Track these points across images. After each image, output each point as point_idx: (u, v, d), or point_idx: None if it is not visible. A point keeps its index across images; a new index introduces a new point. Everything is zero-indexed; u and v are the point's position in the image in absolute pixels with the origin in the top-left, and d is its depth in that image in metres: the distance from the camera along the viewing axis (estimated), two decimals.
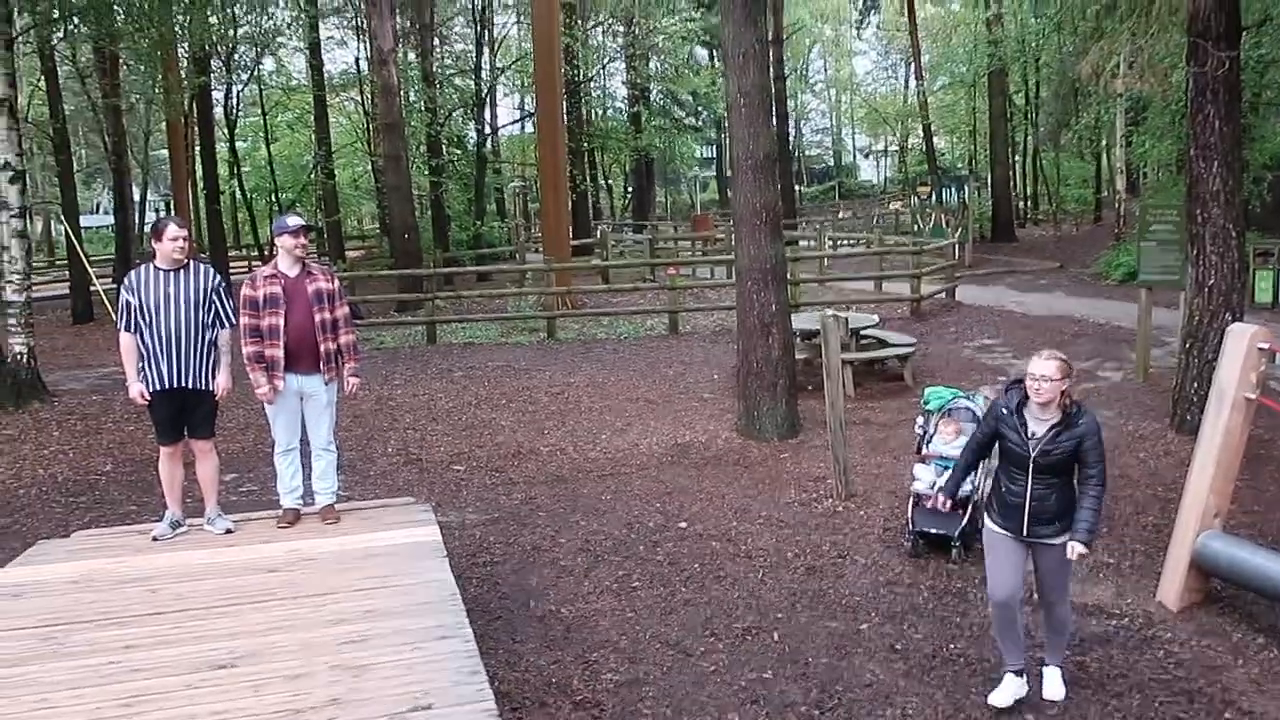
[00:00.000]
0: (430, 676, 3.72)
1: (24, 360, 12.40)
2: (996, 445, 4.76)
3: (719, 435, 9.91)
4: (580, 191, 33.28)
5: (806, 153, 63.07)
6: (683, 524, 7.45)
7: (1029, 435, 4.58)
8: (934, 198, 26.38)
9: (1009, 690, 4.75)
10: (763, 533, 7.20)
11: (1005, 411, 4.66)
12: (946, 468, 6.75)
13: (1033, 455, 4.53)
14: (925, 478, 6.77)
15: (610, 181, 50.33)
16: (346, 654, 3.96)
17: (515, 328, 17.26)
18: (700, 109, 43.50)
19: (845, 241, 26.77)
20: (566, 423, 10.66)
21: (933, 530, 6.60)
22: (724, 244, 26.06)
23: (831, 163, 63.38)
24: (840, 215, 40.88)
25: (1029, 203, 39.26)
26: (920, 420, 7.18)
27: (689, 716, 4.78)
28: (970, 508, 6.55)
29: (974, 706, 4.75)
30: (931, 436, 7.00)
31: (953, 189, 25.58)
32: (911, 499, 6.78)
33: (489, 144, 34.93)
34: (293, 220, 5.91)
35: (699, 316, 17.56)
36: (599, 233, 29.66)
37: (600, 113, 40.12)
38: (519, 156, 41.14)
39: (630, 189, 45.05)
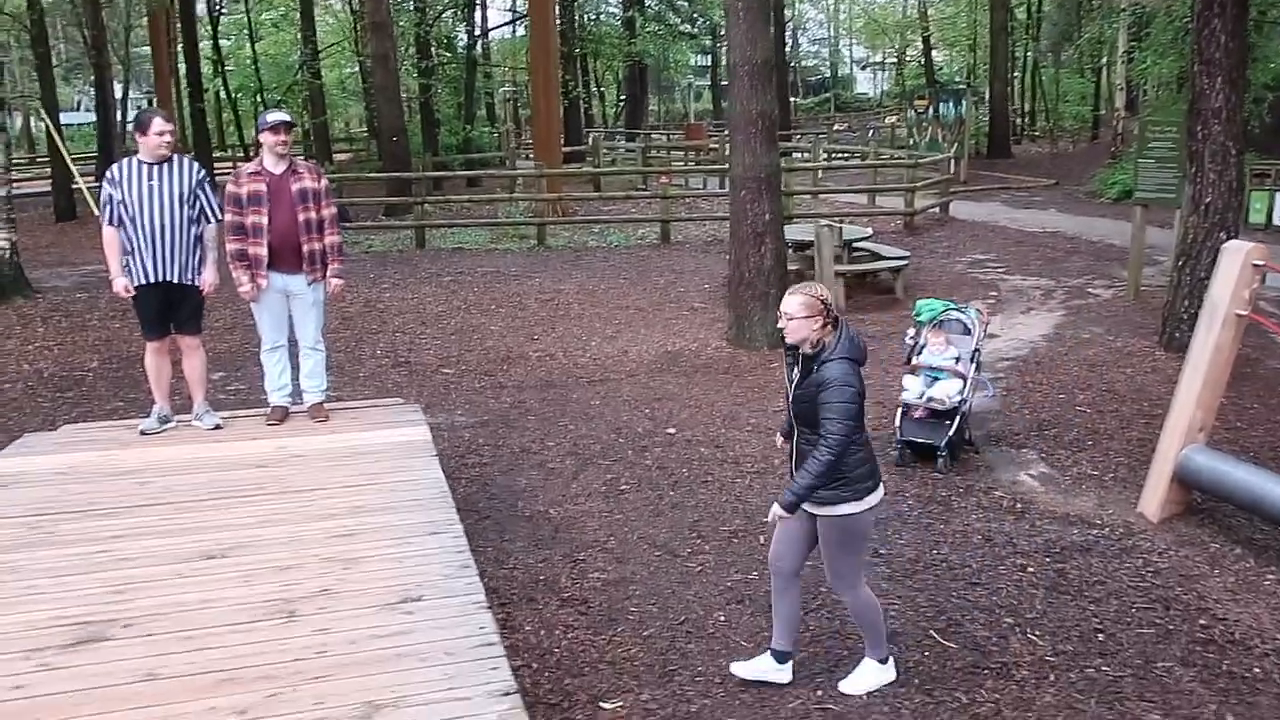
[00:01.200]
0: (420, 570, 3.75)
1: (6, 256, 12.25)
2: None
3: (709, 344, 9.90)
4: (572, 98, 32.67)
5: (803, 64, 61.95)
6: (671, 430, 7.48)
7: (791, 378, 4.02)
8: (931, 112, 26.00)
9: (754, 667, 4.22)
10: (750, 440, 7.24)
11: (785, 349, 4.07)
12: (936, 379, 6.77)
13: (790, 400, 4.01)
14: (914, 388, 6.79)
15: (603, 89, 49.45)
16: (336, 547, 3.98)
17: (505, 234, 17.09)
18: (696, 15, 42.49)
19: (840, 155, 26.47)
20: (556, 329, 10.63)
21: (919, 440, 6.65)
22: (717, 154, 25.73)
23: (828, 74, 62.31)
24: (836, 128, 40.37)
25: (1026, 119, 38.78)
26: (911, 332, 7.17)
27: (674, 614, 4.85)
28: (958, 418, 6.59)
29: (955, 609, 4.83)
30: (921, 347, 7.00)
31: (950, 103, 25.16)
32: (899, 409, 6.81)
33: (479, 47, 34.17)
34: (273, 116, 5.76)
35: (691, 226, 17.41)
36: (591, 140, 29.21)
37: (594, 17, 39.17)
38: (510, 60, 40.29)
39: (623, 97, 44.24)
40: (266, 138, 5.70)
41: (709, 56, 52.44)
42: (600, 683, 4.24)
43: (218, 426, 5.85)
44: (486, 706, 2.82)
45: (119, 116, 25.13)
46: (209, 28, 30.67)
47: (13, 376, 9.12)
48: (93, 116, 29.43)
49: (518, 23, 37.70)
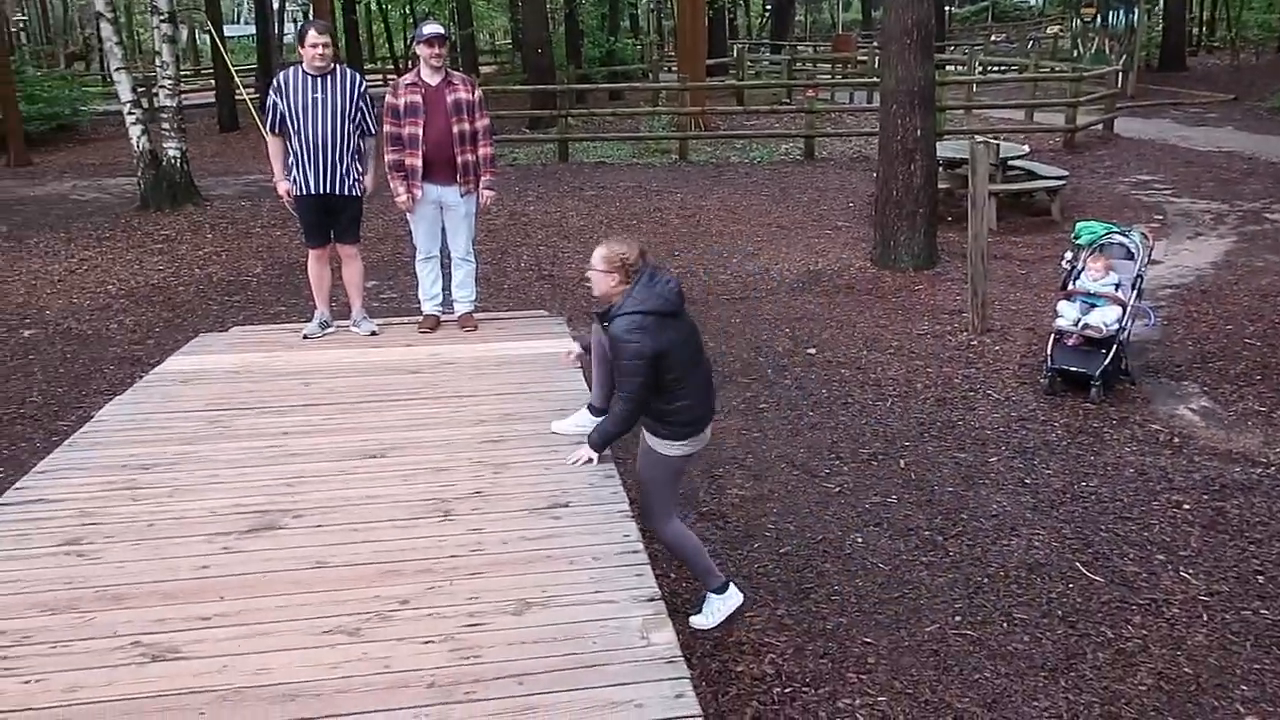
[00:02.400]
0: (566, 478, 3.87)
1: (177, 164, 12.90)
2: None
3: (852, 264, 9.72)
4: (717, 9, 31.94)
5: None
6: (811, 350, 7.42)
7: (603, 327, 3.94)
8: (1098, 20, 24.41)
9: (712, 615, 4.11)
10: (892, 362, 7.13)
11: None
12: (1093, 305, 6.49)
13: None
14: (1069, 315, 6.53)
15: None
16: (487, 452, 4.14)
17: (647, 148, 17.03)
18: None
19: (997, 67, 25.21)
20: (697, 245, 10.61)
21: (1073, 368, 6.41)
22: (865, 67, 24.86)
23: None
24: (993, 39, 38.38)
25: (1204, 29, 36.06)
26: (1069, 255, 6.87)
27: (811, 534, 4.88)
28: (1115, 346, 6.32)
29: (1102, 541, 4.71)
30: (1079, 272, 6.71)
31: (1120, 11, 23.57)
32: (1052, 336, 6.57)
33: None
34: (428, 29, 5.84)
35: (836, 142, 16.98)
36: (735, 52, 28.60)
37: None
38: None
39: (768, 7, 43.02)
40: (422, 50, 5.80)
41: None
42: None
43: (374, 333, 6.10)
44: (632, 610, 2.92)
45: (276, 28, 25.88)
46: None
47: (186, 280, 9.68)
48: (252, 29, 30.42)
49: None
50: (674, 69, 21.99)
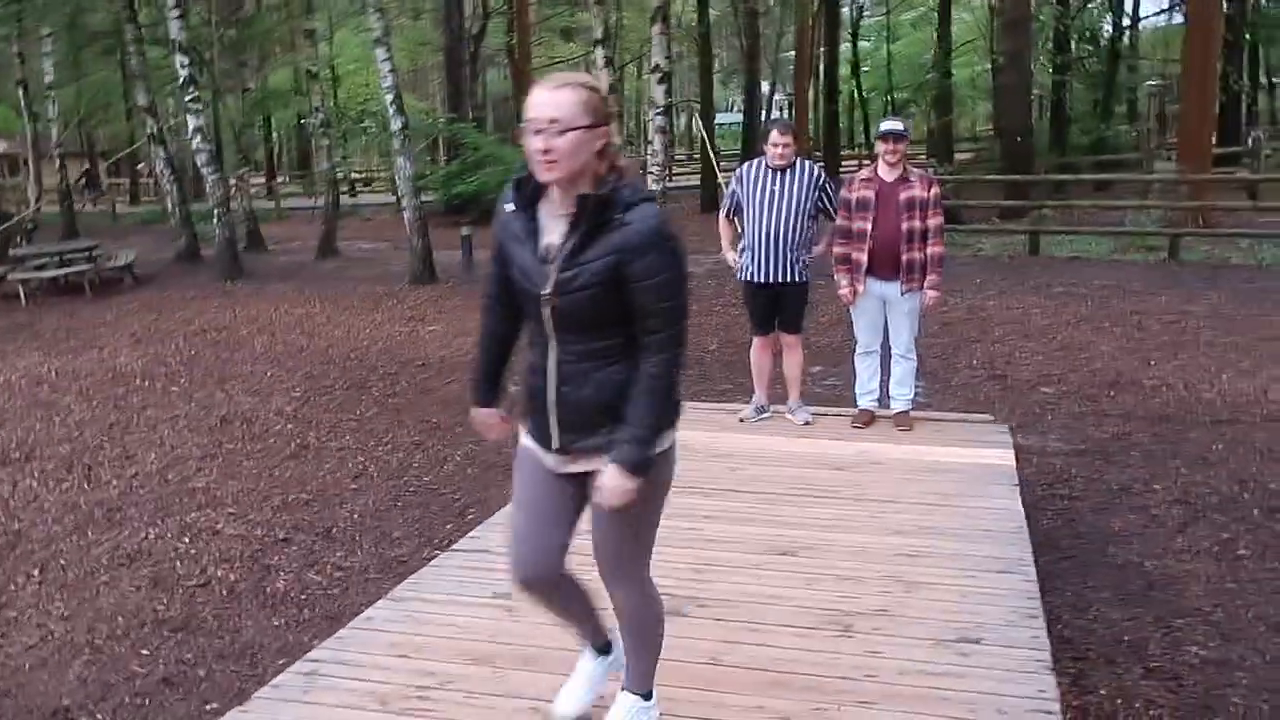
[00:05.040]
0: (982, 609, 3.55)
1: None
2: None
3: None
4: (1233, 93, 28.77)
5: None
6: None
7: (538, 248, 2.49)
8: None
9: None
10: None
11: (517, 199, 2.52)
12: None
13: (543, 289, 2.47)
14: None
15: (1276, 80, 42.89)
16: (900, 567, 3.93)
17: (1131, 244, 15.64)
18: None
19: None
20: (1179, 355, 9.47)
21: None
22: None
23: None
24: None
25: None
26: None
27: None
28: None
29: None
30: None
31: None
32: None
33: (1126, 38, 31.52)
34: (886, 125, 5.93)
35: None
36: (1251, 140, 25.50)
37: None
38: (1160, 52, 36.64)
39: None
40: (879, 146, 5.84)
41: None
42: None
43: (807, 422, 6.12)
44: None
45: (763, 116, 27.50)
46: (850, 31, 32.18)
47: None
48: (741, 117, 32.56)
49: (1175, 10, 34.11)
50: (1173, 158, 20.10)
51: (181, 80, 16.26)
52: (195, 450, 7.69)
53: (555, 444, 2.58)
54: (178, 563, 5.68)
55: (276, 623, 4.96)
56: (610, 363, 2.48)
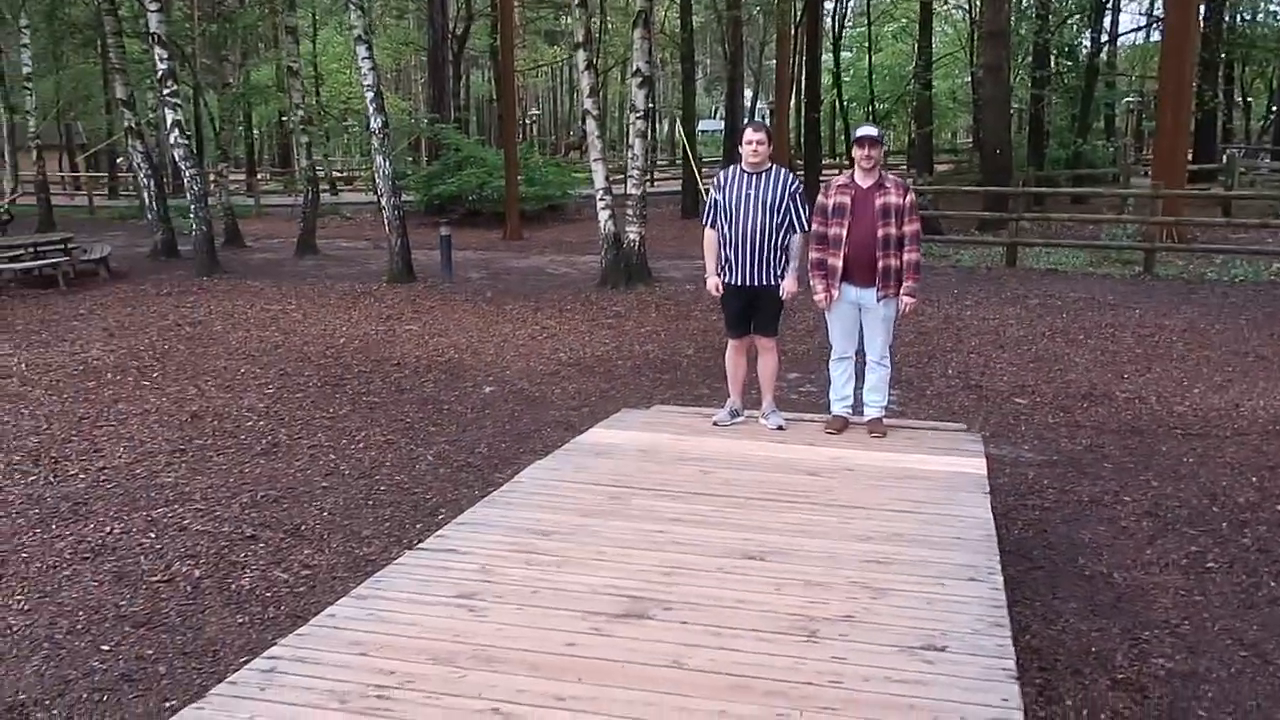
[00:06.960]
0: (949, 617, 3.53)
1: (635, 247, 14.03)
2: None
3: None
4: (1208, 110, 29.08)
5: None
6: None
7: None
8: None
9: None
10: None
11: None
12: None
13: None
14: None
15: (1250, 99, 43.39)
16: (868, 573, 3.91)
17: (1107, 257, 15.77)
18: None
19: None
20: (1152, 369, 9.54)
21: None
22: None
23: None
24: None
25: None
26: None
27: None
28: None
29: None
30: None
31: None
32: None
33: (1104, 53, 31.79)
34: (861, 131, 5.92)
35: None
36: (1225, 157, 25.77)
37: (1247, 16, 34.41)
38: (1138, 69, 37.02)
39: (1275, 107, 38.41)
40: (855, 152, 5.85)
41: None
42: None
43: (780, 427, 6.10)
44: None
45: (744, 123, 27.58)
46: (831, 41, 32.29)
47: (625, 354, 10.41)
48: (721, 124, 32.61)
49: (1153, 26, 34.44)
50: (1148, 173, 20.27)
51: (160, 74, 16.09)
52: (165, 445, 7.61)
53: None
54: (142, 558, 5.61)
55: (241, 620, 4.90)
56: None
